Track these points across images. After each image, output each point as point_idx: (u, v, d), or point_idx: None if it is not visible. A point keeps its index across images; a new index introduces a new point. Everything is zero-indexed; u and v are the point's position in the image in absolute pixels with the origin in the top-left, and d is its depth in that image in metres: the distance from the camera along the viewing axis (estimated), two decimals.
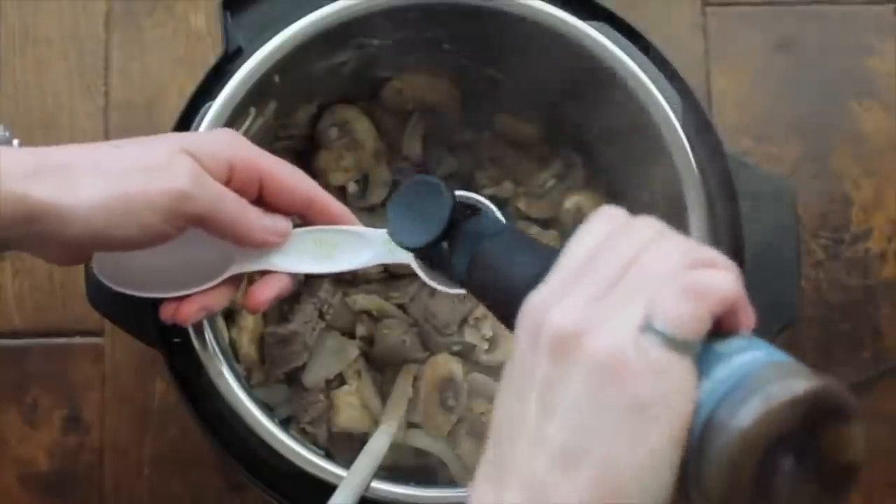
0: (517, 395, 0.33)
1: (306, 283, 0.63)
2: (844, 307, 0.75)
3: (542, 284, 0.35)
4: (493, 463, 0.33)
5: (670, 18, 0.78)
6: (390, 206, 0.47)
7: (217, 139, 0.46)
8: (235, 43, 0.55)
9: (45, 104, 0.74)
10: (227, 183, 0.45)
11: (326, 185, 0.64)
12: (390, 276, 0.65)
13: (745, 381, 0.31)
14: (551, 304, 0.33)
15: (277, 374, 0.62)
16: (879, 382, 0.75)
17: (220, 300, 0.48)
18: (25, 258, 0.73)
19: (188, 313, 0.48)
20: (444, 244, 0.46)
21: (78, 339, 0.72)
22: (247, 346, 0.61)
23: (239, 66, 0.55)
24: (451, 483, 0.61)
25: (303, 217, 0.49)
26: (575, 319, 0.32)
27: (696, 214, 0.54)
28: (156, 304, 0.49)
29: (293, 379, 0.63)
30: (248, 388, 0.55)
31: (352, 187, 0.66)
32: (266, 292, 0.48)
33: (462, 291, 0.49)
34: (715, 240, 0.54)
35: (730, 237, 0.55)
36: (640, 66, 0.55)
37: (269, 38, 0.55)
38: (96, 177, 0.41)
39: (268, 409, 0.58)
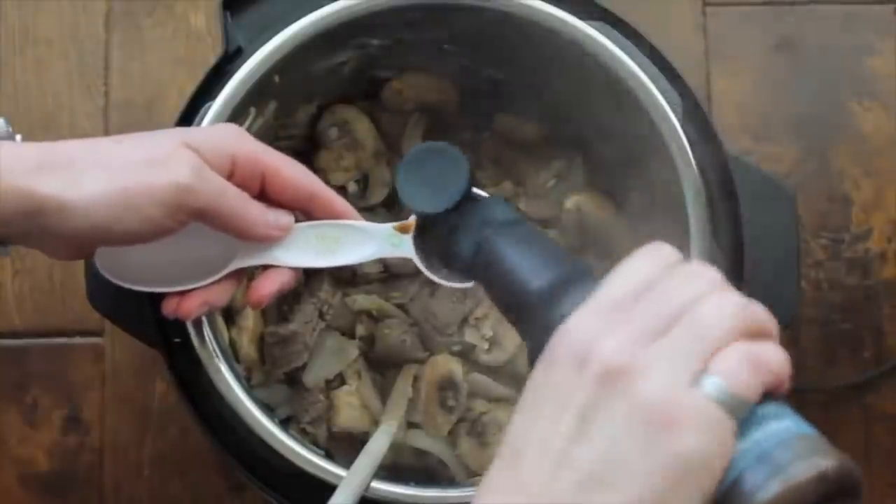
0: (547, 414, 0.33)
1: (306, 284, 0.63)
2: (844, 307, 0.75)
3: (585, 308, 0.35)
4: (507, 474, 0.33)
5: (670, 18, 0.78)
6: (400, 170, 0.47)
7: (219, 133, 0.46)
8: (235, 43, 0.55)
9: (45, 104, 0.74)
10: (230, 177, 0.45)
11: (326, 185, 0.64)
12: (390, 276, 0.65)
13: (775, 452, 0.32)
14: (599, 332, 0.33)
15: (277, 374, 0.62)
16: (879, 382, 0.75)
17: (222, 295, 0.48)
18: (25, 258, 0.73)
19: (190, 308, 0.48)
20: (455, 217, 0.46)
21: (78, 339, 0.72)
22: (247, 346, 0.61)
23: (239, 66, 0.55)
24: (451, 483, 0.61)
25: (305, 212, 0.49)
26: (627, 355, 0.32)
27: (696, 214, 0.54)
28: (156, 302, 0.49)
29: (293, 379, 0.63)
30: (248, 388, 0.55)
31: (352, 187, 0.66)
32: (268, 287, 0.48)
33: (463, 285, 0.49)
34: (715, 240, 0.54)
35: (730, 237, 0.55)
36: (640, 66, 0.55)
37: (269, 38, 0.55)
38: (98, 171, 0.42)
39: (268, 409, 0.58)
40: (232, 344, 0.61)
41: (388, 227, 0.49)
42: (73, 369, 0.72)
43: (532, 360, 0.36)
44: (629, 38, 0.56)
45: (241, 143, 0.46)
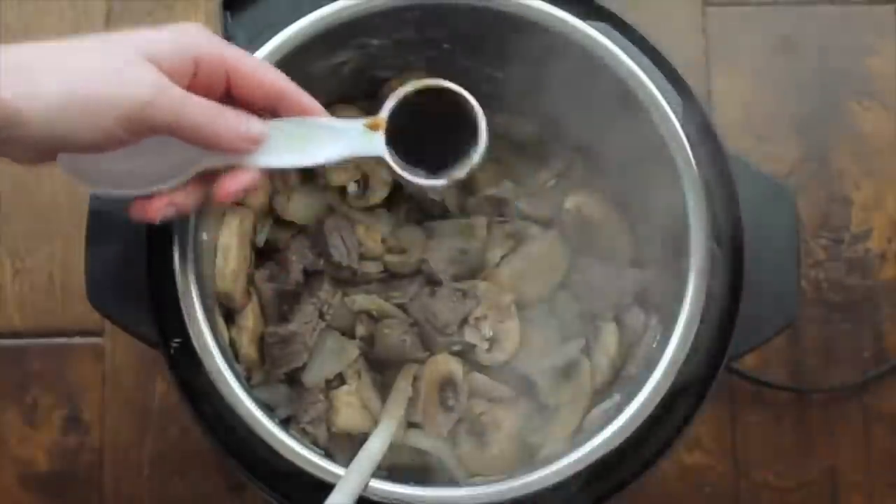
0: None
1: (306, 284, 0.63)
2: (844, 307, 0.75)
3: None
4: None
5: (670, 18, 0.78)
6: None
7: (179, 35, 0.45)
8: (235, 43, 0.55)
9: None
10: (193, 79, 0.44)
11: (326, 185, 0.64)
12: (390, 275, 0.65)
13: None
14: None
15: (277, 374, 0.62)
16: (879, 382, 0.75)
17: (188, 197, 0.47)
18: (26, 258, 0.73)
19: (156, 209, 0.46)
20: None
21: (78, 339, 0.73)
22: (247, 346, 0.60)
23: None
24: (451, 483, 0.61)
25: (273, 111, 0.47)
26: None
27: (696, 215, 0.54)
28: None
29: (293, 379, 0.62)
30: (248, 388, 0.55)
31: (352, 187, 0.66)
32: (234, 185, 0.46)
33: (435, 183, 0.49)
34: (715, 240, 0.54)
35: (730, 237, 0.55)
36: (640, 66, 0.55)
37: (269, 38, 0.55)
38: (55, 78, 0.41)
39: (268, 409, 0.58)
40: (232, 344, 0.61)
41: (358, 124, 0.48)
42: (73, 369, 0.72)
43: None
44: (629, 38, 0.56)
45: (204, 43, 0.45)
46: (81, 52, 0.42)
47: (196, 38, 0.45)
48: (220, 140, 0.45)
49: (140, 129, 0.42)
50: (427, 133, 0.49)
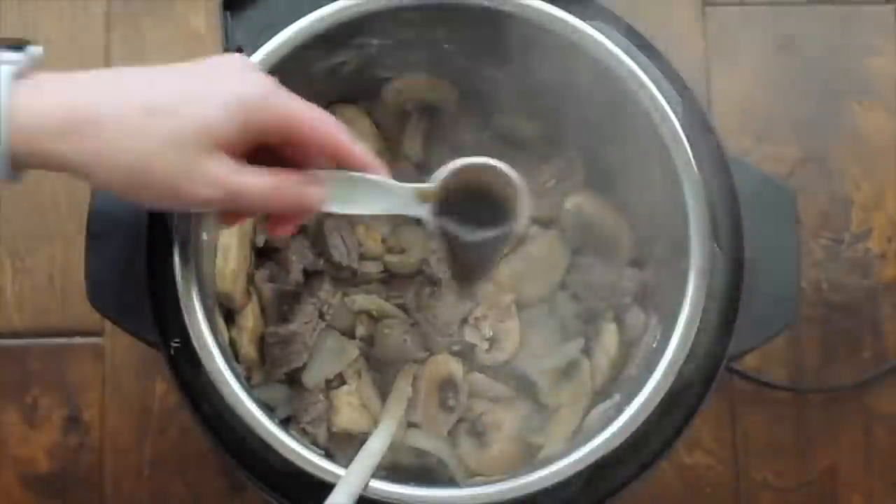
0: None
1: (306, 284, 0.63)
2: (844, 307, 0.75)
3: None
4: None
5: (670, 18, 0.78)
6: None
7: (244, 110, 0.44)
8: (235, 43, 0.55)
9: None
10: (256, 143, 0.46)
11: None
12: (390, 276, 0.65)
13: None
14: None
15: (277, 374, 0.62)
16: (879, 382, 0.75)
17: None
18: (26, 258, 0.73)
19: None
20: None
21: (78, 339, 0.73)
22: (247, 346, 0.61)
23: None
24: (451, 483, 0.61)
25: (329, 159, 0.49)
26: None
27: (697, 215, 0.54)
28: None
29: (293, 379, 0.62)
30: (248, 388, 0.55)
31: None
32: (287, 229, 0.50)
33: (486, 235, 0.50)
34: (715, 240, 0.54)
35: (730, 238, 0.55)
36: (639, 66, 0.55)
37: (269, 38, 0.55)
38: (126, 157, 0.42)
39: (268, 409, 0.58)
40: (232, 344, 0.61)
41: (409, 190, 0.48)
42: (73, 369, 0.72)
43: None
44: (629, 38, 0.56)
45: (269, 115, 0.45)
46: (155, 119, 0.43)
47: (262, 111, 0.45)
48: (281, 214, 0.48)
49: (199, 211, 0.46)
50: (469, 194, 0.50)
